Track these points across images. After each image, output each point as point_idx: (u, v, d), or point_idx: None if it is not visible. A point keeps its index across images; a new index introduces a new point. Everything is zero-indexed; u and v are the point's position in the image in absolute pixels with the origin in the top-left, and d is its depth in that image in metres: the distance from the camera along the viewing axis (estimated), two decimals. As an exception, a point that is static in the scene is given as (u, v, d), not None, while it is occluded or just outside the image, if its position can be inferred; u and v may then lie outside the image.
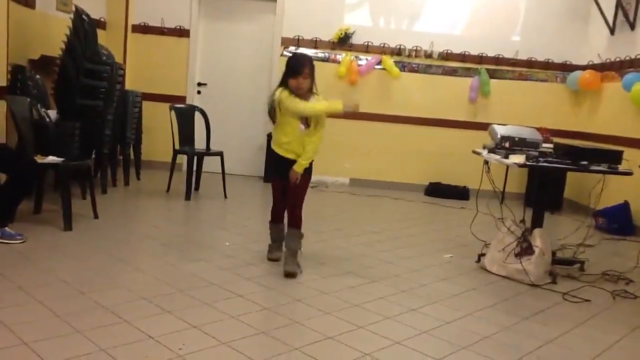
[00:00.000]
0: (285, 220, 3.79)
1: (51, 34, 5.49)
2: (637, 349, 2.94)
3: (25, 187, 3.98)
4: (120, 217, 4.88)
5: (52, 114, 4.85)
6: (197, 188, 6.11)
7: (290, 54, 3.74)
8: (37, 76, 5.06)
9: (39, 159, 4.23)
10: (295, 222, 3.72)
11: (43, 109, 4.71)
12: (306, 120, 3.56)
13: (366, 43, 7.24)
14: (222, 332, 2.67)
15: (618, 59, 6.40)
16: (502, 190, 6.74)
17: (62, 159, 4.29)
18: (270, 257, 3.89)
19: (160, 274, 3.42)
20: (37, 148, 4.41)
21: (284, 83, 3.56)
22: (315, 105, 3.54)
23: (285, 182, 3.68)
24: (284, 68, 3.60)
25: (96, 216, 4.58)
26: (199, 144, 6.18)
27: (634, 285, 3.96)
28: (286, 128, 3.60)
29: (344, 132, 7.06)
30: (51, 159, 4.28)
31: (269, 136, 7.09)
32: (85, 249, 3.82)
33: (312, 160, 3.68)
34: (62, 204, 4.20)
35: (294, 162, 3.61)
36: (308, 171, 3.68)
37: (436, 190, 7.25)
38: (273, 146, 3.72)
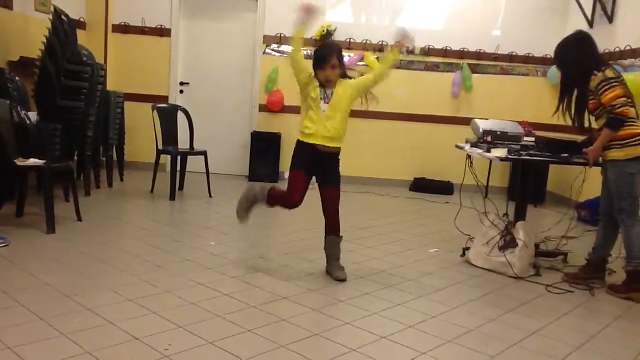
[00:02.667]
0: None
1: (30, 35, 5.43)
2: (620, 337, 2.99)
3: (7, 191, 3.94)
4: (104, 218, 4.84)
5: (33, 115, 4.81)
6: (181, 188, 6.09)
7: (319, 46, 3.65)
8: (17, 78, 5.01)
9: (20, 162, 4.18)
10: (337, 229, 3.62)
11: (23, 111, 4.66)
12: (329, 97, 3.46)
13: (348, 39, 7.24)
14: (208, 331, 2.67)
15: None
16: (485, 184, 6.80)
17: (43, 161, 4.25)
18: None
19: (145, 275, 3.40)
20: (19, 150, 4.36)
21: (314, 74, 3.48)
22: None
23: (320, 187, 3.58)
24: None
25: (79, 218, 4.55)
26: (183, 143, 6.15)
27: (616, 276, 4.01)
28: (310, 114, 3.48)
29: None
30: (33, 161, 4.24)
31: (253, 134, 7.13)
32: (68, 252, 3.79)
33: (339, 160, 3.60)
34: (44, 207, 4.16)
35: (324, 156, 3.50)
36: (339, 174, 3.61)
37: (421, 186, 7.29)
38: (300, 137, 3.55)
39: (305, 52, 7.11)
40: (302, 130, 3.53)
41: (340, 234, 3.66)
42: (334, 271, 3.59)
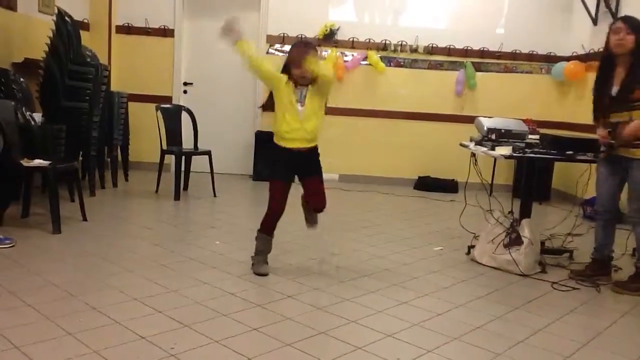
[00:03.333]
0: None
1: (34, 36, 5.45)
2: (626, 334, 2.98)
3: (12, 192, 3.96)
4: (109, 218, 4.85)
5: (37, 117, 4.82)
6: (185, 188, 6.10)
7: (293, 44, 3.65)
8: (21, 79, 5.03)
9: (26, 163, 4.20)
10: (321, 209, 3.66)
11: (28, 112, 4.67)
12: (303, 99, 3.43)
13: (351, 39, 7.24)
14: (213, 330, 2.67)
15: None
16: (490, 182, 6.77)
17: (48, 162, 4.26)
18: (259, 272, 3.52)
19: (151, 274, 3.41)
20: (24, 151, 4.38)
21: (286, 71, 3.47)
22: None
23: (304, 182, 3.58)
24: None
25: (85, 218, 4.56)
26: (187, 143, 6.16)
27: (622, 273, 4.00)
28: (285, 115, 3.43)
29: (332, 128, 7.05)
30: (38, 162, 4.25)
31: (257, 134, 7.13)
32: (74, 252, 3.80)
33: (318, 149, 3.59)
34: (50, 207, 4.17)
35: (304, 155, 3.48)
36: (320, 165, 3.61)
37: (425, 184, 7.28)
38: (276, 140, 3.51)
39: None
40: (280, 135, 3.48)
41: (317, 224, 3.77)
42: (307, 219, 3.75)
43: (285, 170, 3.51)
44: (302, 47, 3.50)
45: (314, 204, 3.65)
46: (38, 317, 2.70)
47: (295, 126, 3.43)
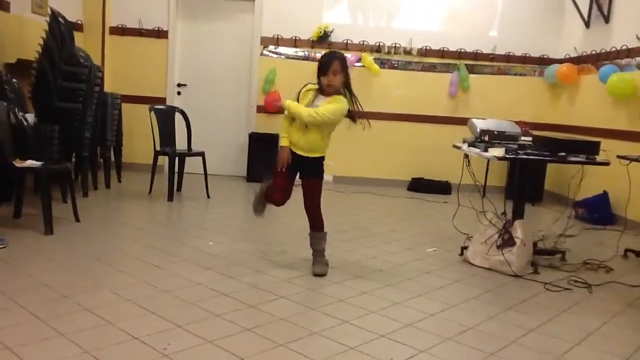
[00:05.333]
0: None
1: (27, 37, 5.43)
2: (618, 334, 2.99)
3: (4, 192, 3.94)
4: (102, 219, 4.84)
5: (30, 117, 4.80)
6: (179, 189, 6.09)
7: (324, 54, 3.70)
8: (14, 80, 5.00)
9: (18, 163, 4.18)
10: (318, 224, 3.71)
11: (21, 113, 4.65)
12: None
13: (345, 41, 7.26)
14: (206, 330, 2.67)
15: (594, 52, 6.49)
16: (483, 183, 6.80)
17: (41, 163, 4.25)
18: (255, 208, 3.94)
19: (144, 275, 3.40)
20: (16, 152, 4.36)
21: (318, 82, 3.56)
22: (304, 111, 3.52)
23: (302, 180, 3.67)
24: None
25: (77, 219, 4.54)
26: (180, 144, 6.15)
27: (614, 273, 4.02)
28: (297, 122, 3.58)
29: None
30: (30, 162, 4.24)
31: (251, 135, 7.13)
32: (67, 253, 3.79)
33: (323, 159, 3.68)
34: (42, 208, 4.16)
35: (305, 158, 3.59)
36: (320, 171, 3.68)
37: (419, 186, 7.30)
38: (289, 145, 3.65)
39: (303, 54, 7.19)
40: (289, 138, 3.61)
41: (325, 230, 3.74)
42: (314, 266, 3.68)
43: (288, 164, 3.63)
44: (330, 56, 3.54)
45: (305, 202, 3.70)
46: (30, 317, 2.69)
47: (298, 134, 3.57)
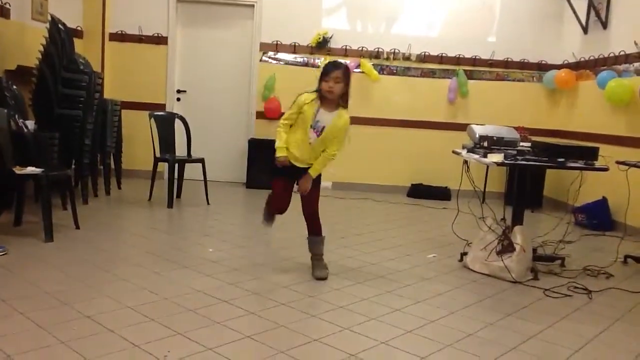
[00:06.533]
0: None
1: (27, 43, 5.45)
2: (617, 341, 2.99)
3: (5, 200, 3.94)
4: (102, 226, 4.84)
5: (30, 124, 4.81)
6: (179, 196, 6.09)
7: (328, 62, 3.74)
8: (14, 87, 5.01)
9: (18, 170, 4.19)
10: (317, 229, 3.75)
11: (21, 120, 4.66)
12: (320, 130, 3.55)
13: (344, 47, 7.28)
14: (207, 338, 2.67)
15: (592, 58, 6.51)
16: (482, 189, 6.81)
17: (41, 170, 4.25)
18: (265, 221, 4.01)
19: (144, 282, 3.40)
20: (16, 159, 4.37)
21: (318, 87, 3.57)
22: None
23: (297, 185, 3.70)
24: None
25: (77, 226, 4.54)
26: (180, 151, 6.16)
27: (614, 280, 4.03)
28: (297, 136, 3.60)
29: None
30: (30, 169, 4.24)
31: (250, 142, 7.14)
32: (67, 260, 3.79)
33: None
34: (42, 215, 4.16)
35: (305, 169, 3.63)
36: (319, 181, 3.71)
37: (418, 192, 7.31)
38: (286, 154, 3.67)
39: (302, 59, 7.20)
40: (288, 148, 3.63)
41: (323, 234, 3.78)
42: (314, 270, 3.72)
43: (287, 170, 3.66)
44: (333, 65, 3.57)
45: (304, 209, 3.73)
46: (30, 325, 2.69)
47: (302, 149, 3.61)
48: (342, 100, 3.58)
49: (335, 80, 3.48)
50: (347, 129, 3.60)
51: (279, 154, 3.61)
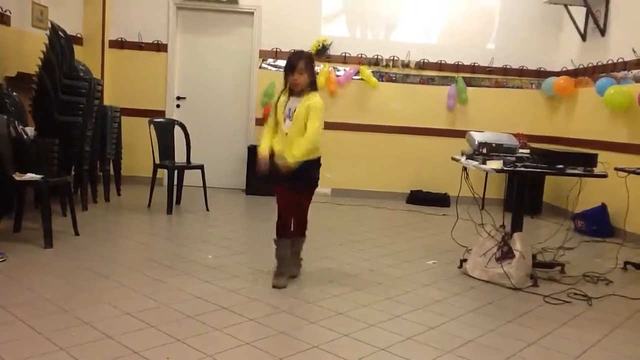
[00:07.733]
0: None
1: (27, 50, 5.46)
2: (618, 347, 2.99)
3: (4, 206, 3.94)
4: (102, 233, 4.84)
5: (30, 131, 4.82)
6: (178, 202, 6.09)
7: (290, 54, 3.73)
8: (14, 93, 5.02)
9: (18, 177, 4.19)
10: (303, 230, 3.82)
11: (21, 126, 4.67)
12: (292, 115, 3.55)
13: (344, 54, 7.30)
14: (206, 344, 2.67)
15: (590, 65, 6.53)
16: (481, 196, 6.81)
17: (41, 176, 4.25)
18: (277, 284, 3.58)
19: (144, 289, 3.40)
20: (16, 166, 4.37)
21: (285, 82, 3.61)
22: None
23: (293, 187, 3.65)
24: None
25: (77, 233, 4.54)
26: (180, 157, 6.16)
27: (614, 286, 4.03)
28: (278, 133, 3.64)
29: (324, 142, 7.07)
30: (30, 176, 4.24)
31: (250, 148, 7.14)
32: (66, 266, 3.78)
33: (319, 166, 3.73)
34: (42, 222, 4.16)
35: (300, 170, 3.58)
36: (313, 182, 3.73)
37: (417, 198, 7.31)
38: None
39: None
40: (272, 147, 3.66)
41: (306, 234, 3.85)
42: (293, 268, 3.81)
43: (281, 175, 3.61)
44: (295, 56, 3.59)
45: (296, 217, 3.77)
46: (30, 332, 2.69)
47: (282, 144, 3.60)
48: (310, 87, 3.60)
49: (299, 72, 3.52)
50: (321, 109, 3.56)
51: (258, 156, 3.64)
